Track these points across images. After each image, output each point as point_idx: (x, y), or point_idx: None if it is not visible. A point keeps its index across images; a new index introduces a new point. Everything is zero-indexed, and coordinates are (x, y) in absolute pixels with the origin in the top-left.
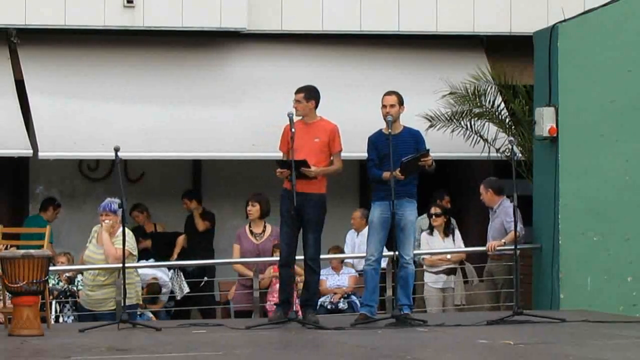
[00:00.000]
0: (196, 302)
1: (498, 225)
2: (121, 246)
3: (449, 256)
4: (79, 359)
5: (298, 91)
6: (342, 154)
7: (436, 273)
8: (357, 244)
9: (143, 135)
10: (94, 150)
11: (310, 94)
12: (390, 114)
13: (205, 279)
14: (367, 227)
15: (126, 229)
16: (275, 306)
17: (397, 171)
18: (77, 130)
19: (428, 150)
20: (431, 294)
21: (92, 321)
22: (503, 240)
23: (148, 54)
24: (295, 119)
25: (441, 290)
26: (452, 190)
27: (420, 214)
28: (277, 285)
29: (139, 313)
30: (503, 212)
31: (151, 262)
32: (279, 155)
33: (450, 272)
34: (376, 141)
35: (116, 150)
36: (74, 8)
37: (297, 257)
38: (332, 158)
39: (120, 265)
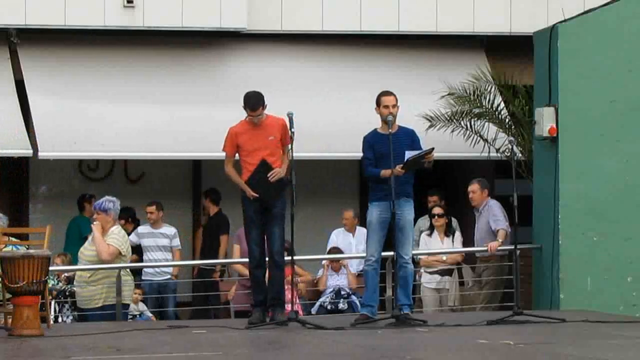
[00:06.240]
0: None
1: (483, 225)
2: (112, 243)
3: (444, 257)
4: (79, 359)
5: (257, 107)
6: (342, 153)
7: (431, 273)
8: (354, 244)
9: (143, 135)
10: (94, 150)
11: (263, 102)
12: (393, 113)
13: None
14: (360, 228)
15: (119, 228)
16: (253, 307)
17: (397, 167)
18: (77, 130)
19: (432, 148)
20: (426, 294)
21: (85, 320)
22: (500, 240)
23: (148, 54)
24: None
25: (436, 290)
26: (451, 191)
27: (417, 214)
28: None
29: (138, 313)
30: (488, 212)
31: (158, 262)
32: None
33: (444, 272)
34: (372, 141)
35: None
36: (74, 8)
37: (298, 257)
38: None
39: (115, 265)
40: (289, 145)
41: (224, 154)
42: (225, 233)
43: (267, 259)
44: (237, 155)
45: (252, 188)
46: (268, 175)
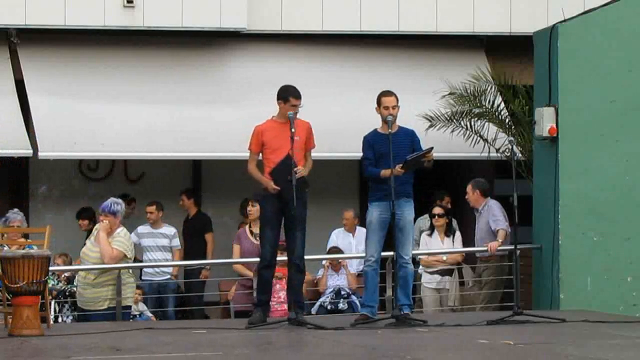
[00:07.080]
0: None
1: (483, 226)
2: (117, 246)
3: (444, 257)
4: (79, 359)
5: (300, 95)
6: (342, 153)
7: (431, 273)
8: (354, 244)
9: (143, 135)
10: (94, 150)
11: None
12: (393, 114)
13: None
14: (359, 228)
15: (125, 230)
16: (254, 307)
17: (397, 167)
18: (77, 130)
19: (432, 147)
20: (426, 294)
21: (86, 321)
22: (500, 240)
23: (148, 54)
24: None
25: (436, 290)
26: (451, 191)
27: (418, 214)
28: (278, 286)
29: (137, 313)
30: (488, 212)
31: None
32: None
33: (445, 272)
34: (372, 141)
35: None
36: (74, 8)
37: (305, 257)
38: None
39: (116, 265)
40: (311, 150)
41: (225, 154)
42: (210, 231)
43: (276, 259)
44: (260, 155)
45: (274, 181)
46: (294, 169)
